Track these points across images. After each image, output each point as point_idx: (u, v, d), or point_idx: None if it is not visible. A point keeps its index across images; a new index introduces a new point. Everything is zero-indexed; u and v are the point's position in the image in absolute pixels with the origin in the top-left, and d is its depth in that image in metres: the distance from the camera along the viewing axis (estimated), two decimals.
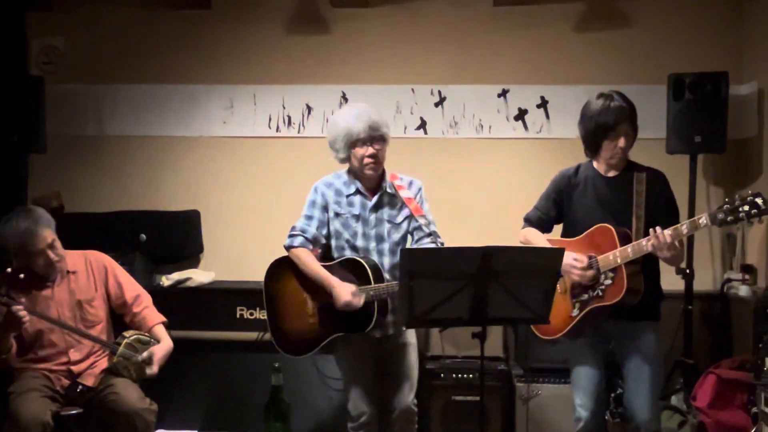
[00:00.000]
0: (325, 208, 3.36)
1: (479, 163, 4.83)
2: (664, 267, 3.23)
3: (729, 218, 2.85)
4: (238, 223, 4.90)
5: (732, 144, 4.39)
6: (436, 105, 4.85)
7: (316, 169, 4.75)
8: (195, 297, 4.47)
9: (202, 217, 4.89)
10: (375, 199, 3.34)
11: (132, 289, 3.66)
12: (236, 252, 4.86)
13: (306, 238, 3.34)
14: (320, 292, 3.30)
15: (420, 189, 3.41)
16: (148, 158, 4.94)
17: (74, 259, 3.59)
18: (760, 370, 3.39)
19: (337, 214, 3.34)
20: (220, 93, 4.91)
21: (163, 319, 3.67)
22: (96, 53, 4.96)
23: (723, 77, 4.27)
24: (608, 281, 3.08)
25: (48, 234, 3.43)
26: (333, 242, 3.38)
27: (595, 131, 3.17)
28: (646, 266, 3.11)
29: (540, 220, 3.37)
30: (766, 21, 4.42)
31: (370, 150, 3.26)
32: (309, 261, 3.32)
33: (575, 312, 3.17)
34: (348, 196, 3.35)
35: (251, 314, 4.40)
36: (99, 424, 3.44)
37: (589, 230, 3.17)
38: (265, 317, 4.35)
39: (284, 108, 4.90)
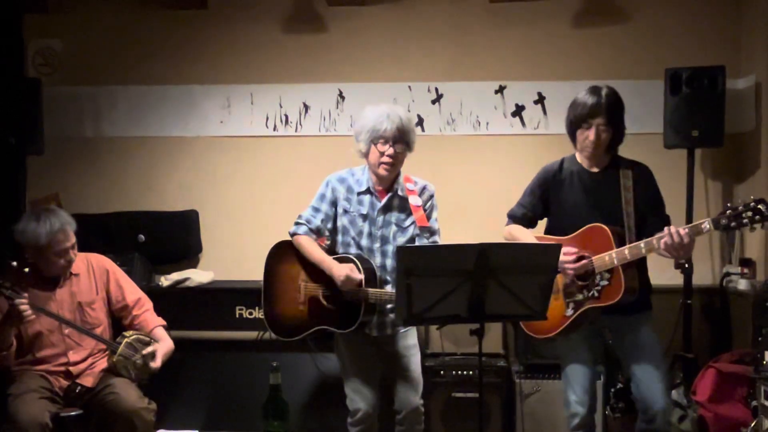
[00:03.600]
0: (333, 204, 3.39)
1: (477, 160, 4.82)
2: (660, 261, 3.23)
3: (732, 224, 2.86)
4: (237, 222, 4.90)
5: (729, 138, 4.38)
6: (433, 102, 4.85)
7: (314, 168, 4.80)
8: (194, 297, 4.48)
9: (201, 216, 4.89)
10: (385, 200, 3.35)
11: (133, 292, 3.69)
12: (235, 251, 4.85)
13: (310, 229, 3.39)
14: (315, 283, 3.35)
15: (432, 196, 3.41)
16: (146, 159, 4.94)
17: (77, 261, 3.60)
18: (760, 364, 3.39)
19: (345, 211, 3.37)
20: (217, 93, 4.91)
21: (163, 322, 3.69)
22: (93, 55, 4.95)
23: (720, 71, 4.26)
24: (604, 282, 3.07)
25: (72, 234, 3.50)
26: (339, 237, 3.40)
27: (572, 121, 3.20)
28: (636, 261, 3.10)
29: (525, 216, 3.38)
30: (763, 14, 4.41)
31: (390, 150, 3.25)
32: (310, 247, 3.37)
33: (569, 312, 3.16)
34: (359, 194, 3.36)
35: (250, 314, 4.41)
36: (99, 425, 3.45)
37: (582, 229, 3.15)
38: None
39: (281, 107, 4.90)
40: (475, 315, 2.82)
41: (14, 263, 3.36)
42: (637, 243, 3.02)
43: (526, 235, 3.31)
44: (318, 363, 4.34)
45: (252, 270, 4.69)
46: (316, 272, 3.37)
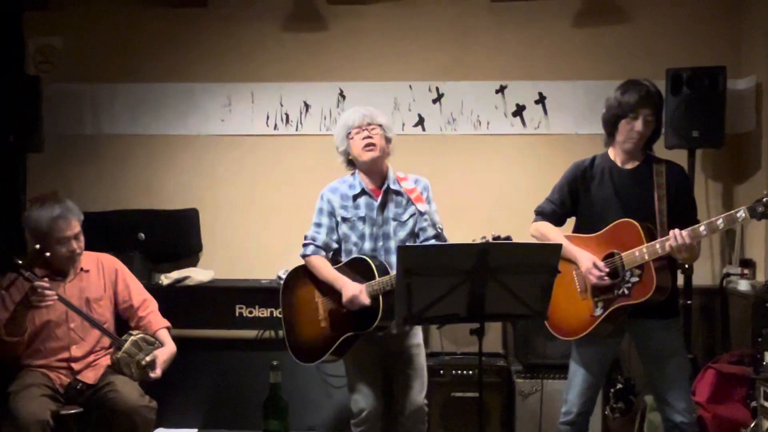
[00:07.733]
0: (331, 214, 3.41)
1: (477, 160, 4.82)
2: None
3: None
4: (237, 221, 4.90)
5: (730, 139, 4.38)
6: (434, 101, 4.84)
7: (314, 167, 4.81)
8: (194, 295, 4.47)
9: (201, 215, 4.88)
10: (380, 198, 3.37)
11: (140, 293, 3.73)
12: (235, 250, 4.86)
13: (317, 246, 3.40)
14: (330, 296, 3.35)
15: (426, 188, 3.43)
16: (146, 157, 4.94)
17: (88, 258, 3.65)
18: (759, 365, 3.38)
19: (344, 219, 3.39)
20: (218, 91, 4.90)
21: (168, 324, 3.72)
22: (93, 52, 4.95)
23: (720, 71, 4.26)
24: (635, 278, 3.01)
25: (76, 224, 3.52)
26: (342, 246, 3.42)
27: (615, 111, 3.10)
28: (669, 262, 3.04)
29: (554, 213, 3.29)
30: (764, 14, 4.41)
31: (365, 133, 3.32)
32: (322, 266, 3.39)
33: (598, 311, 3.08)
34: (354, 197, 3.39)
35: (250, 312, 4.40)
36: (99, 423, 3.46)
37: (610, 225, 3.10)
38: (265, 315, 4.41)
39: (282, 106, 4.90)
40: (475, 314, 2.82)
41: (37, 246, 3.39)
42: (664, 238, 2.96)
43: (556, 234, 3.22)
44: None
45: (252, 269, 4.73)
46: (329, 285, 3.37)
